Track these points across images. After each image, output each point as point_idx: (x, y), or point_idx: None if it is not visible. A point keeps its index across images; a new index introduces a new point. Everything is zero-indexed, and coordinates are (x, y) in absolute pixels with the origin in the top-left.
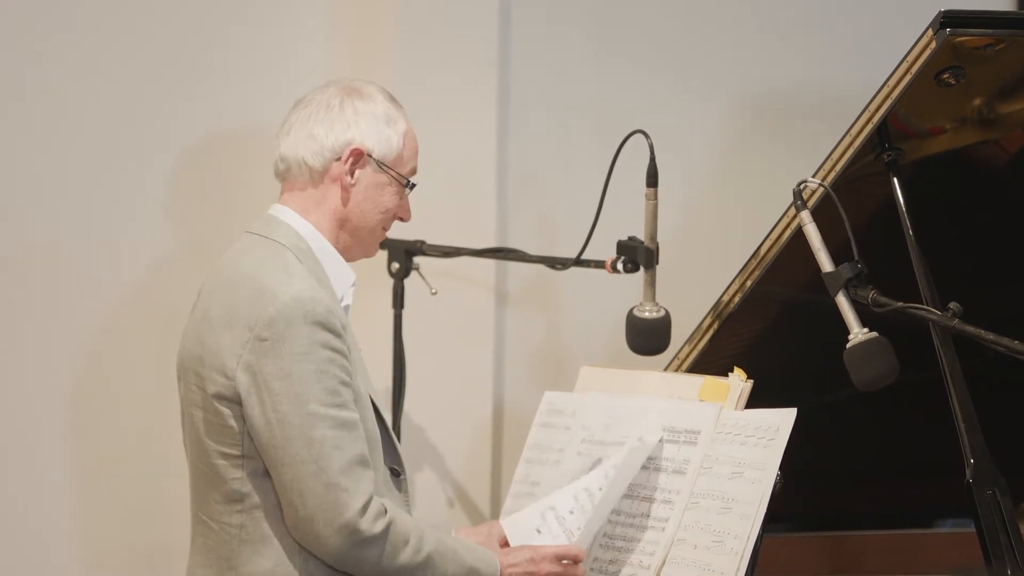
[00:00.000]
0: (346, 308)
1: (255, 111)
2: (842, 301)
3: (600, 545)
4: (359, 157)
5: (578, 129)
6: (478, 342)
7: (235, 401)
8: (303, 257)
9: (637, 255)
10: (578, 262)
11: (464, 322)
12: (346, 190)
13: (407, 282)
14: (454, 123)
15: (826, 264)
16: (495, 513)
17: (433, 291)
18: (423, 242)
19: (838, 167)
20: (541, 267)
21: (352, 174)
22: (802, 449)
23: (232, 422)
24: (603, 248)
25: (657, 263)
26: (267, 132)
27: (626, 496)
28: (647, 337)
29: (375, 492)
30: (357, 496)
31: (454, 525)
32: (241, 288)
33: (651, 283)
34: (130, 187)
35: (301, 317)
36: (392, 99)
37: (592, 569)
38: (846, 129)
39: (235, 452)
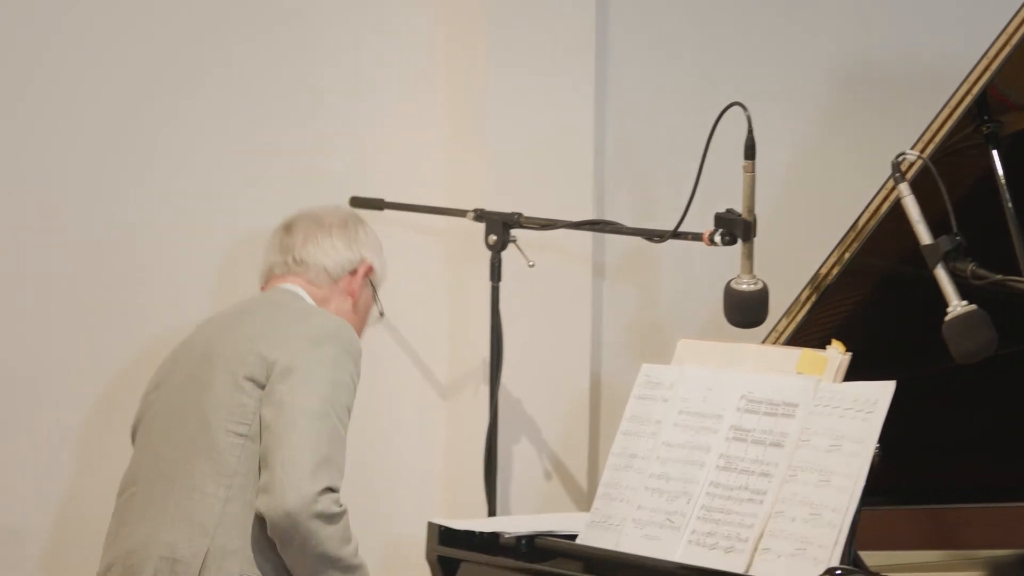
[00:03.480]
0: None
1: (352, 106)
2: (940, 274)
3: (698, 517)
4: (368, 272)
5: (676, 101)
6: (575, 314)
7: (262, 385)
8: None
9: (735, 227)
10: (676, 234)
11: (561, 294)
12: (355, 299)
13: (504, 255)
14: (551, 95)
15: (924, 236)
16: (592, 486)
17: (530, 263)
18: (520, 214)
19: (937, 139)
20: (638, 239)
21: (360, 286)
22: (900, 422)
23: (251, 402)
24: (701, 220)
25: (755, 235)
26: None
27: (724, 469)
28: (745, 310)
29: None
30: (329, 480)
31: (551, 498)
32: (286, 309)
33: (748, 255)
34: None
35: (348, 338)
36: None
37: (690, 541)
38: (945, 101)
39: (242, 431)
